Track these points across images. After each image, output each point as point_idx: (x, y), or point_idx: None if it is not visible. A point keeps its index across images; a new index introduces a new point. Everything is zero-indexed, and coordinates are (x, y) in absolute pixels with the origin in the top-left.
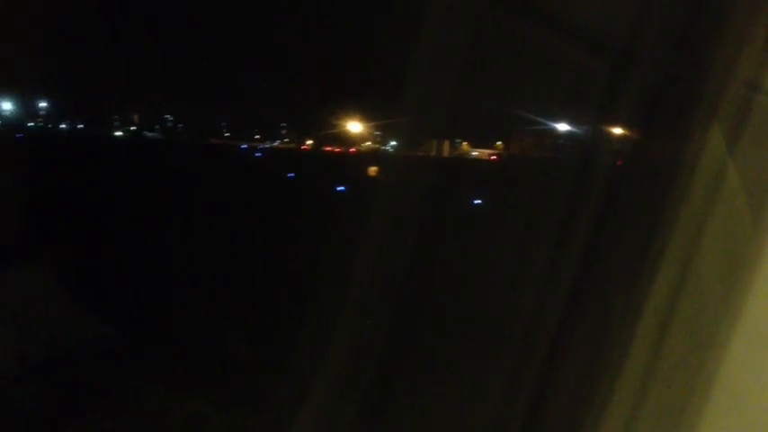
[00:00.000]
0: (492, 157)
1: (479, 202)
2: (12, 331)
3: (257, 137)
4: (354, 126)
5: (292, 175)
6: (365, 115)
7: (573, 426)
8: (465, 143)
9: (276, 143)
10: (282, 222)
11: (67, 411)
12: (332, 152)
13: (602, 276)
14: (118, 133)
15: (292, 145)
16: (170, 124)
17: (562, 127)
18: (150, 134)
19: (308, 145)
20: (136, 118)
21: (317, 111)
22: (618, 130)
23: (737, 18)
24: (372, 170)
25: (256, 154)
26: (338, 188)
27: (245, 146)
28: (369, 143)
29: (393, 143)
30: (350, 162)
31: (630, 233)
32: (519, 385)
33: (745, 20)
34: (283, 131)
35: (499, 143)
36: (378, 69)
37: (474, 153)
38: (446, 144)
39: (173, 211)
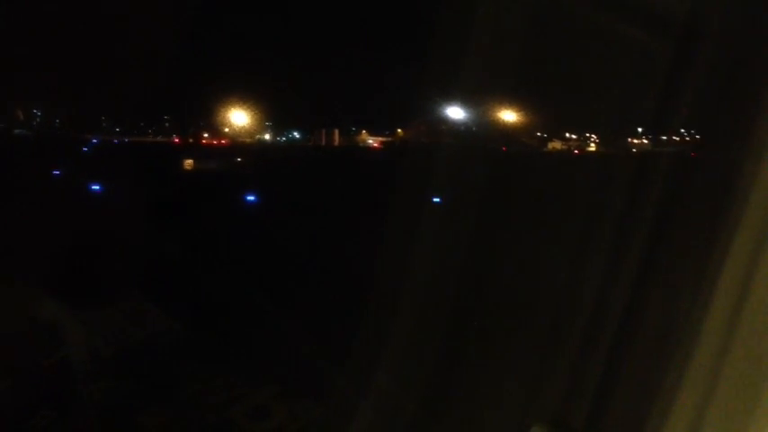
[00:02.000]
0: (375, 145)
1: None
2: (84, 328)
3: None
4: (240, 117)
5: (57, 172)
6: (258, 106)
7: (640, 415)
8: (364, 131)
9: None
10: None
11: (136, 404)
12: (193, 144)
13: (670, 270)
14: None
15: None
16: (38, 119)
17: (457, 115)
18: (18, 131)
19: (180, 138)
20: (20, 114)
21: (205, 104)
22: (510, 117)
23: None
24: (187, 163)
25: (84, 148)
26: (92, 186)
27: (96, 140)
28: (262, 135)
29: (291, 134)
30: (188, 155)
31: (699, 221)
32: (586, 374)
33: None
34: (166, 125)
35: (399, 130)
36: (270, 60)
37: (370, 141)
38: (335, 133)
39: None
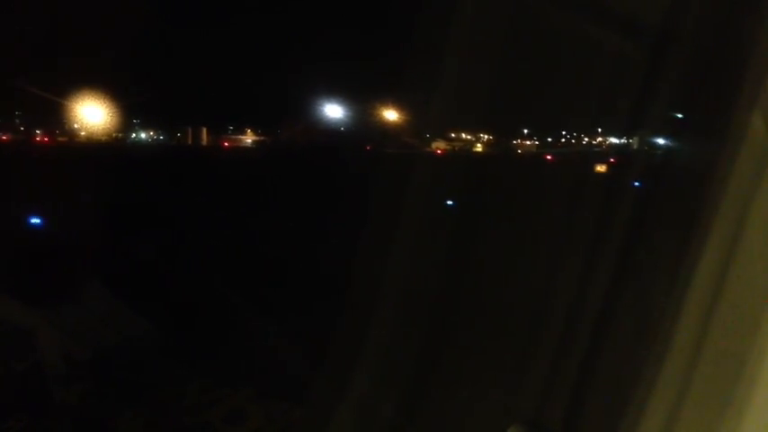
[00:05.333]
0: (225, 144)
1: None
2: (58, 332)
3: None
4: (94, 114)
5: None
6: (123, 102)
7: (615, 414)
8: (249, 130)
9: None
10: None
11: (111, 408)
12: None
13: (645, 265)
14: None
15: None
16: None
17: (337, 114)
18: None
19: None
20: None
21: (56, 99)
22: (392, 116)
23: None
24: None
25: None
26: None
27: None
28: (132, 133)
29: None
30: None
31: (673, 221)
32: (562, 375)
33: None
34: (18, 121)
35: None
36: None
37: (248, 141)
38: (203, 131)
39: None
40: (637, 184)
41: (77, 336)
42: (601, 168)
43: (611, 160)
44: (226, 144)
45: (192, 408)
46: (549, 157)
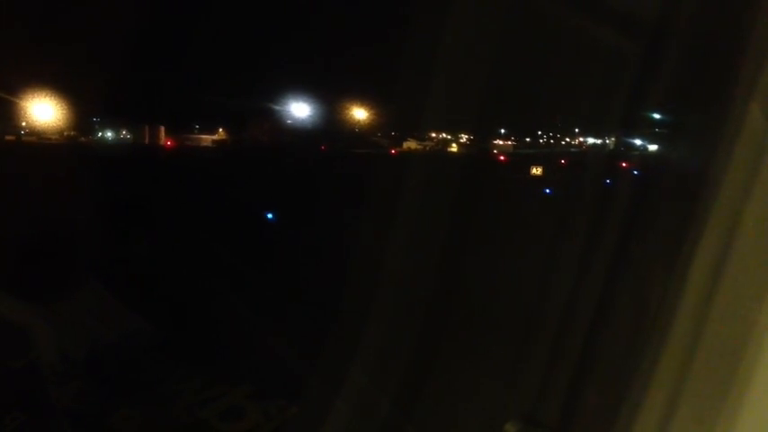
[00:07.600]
0: (168, 144)
1: None
2: (54, 330)
3: None
4: (44, 112)
5: None
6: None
7: (612, 410)
8: (221, 129)
9: None
10: None
11: (108, 406)
12: None
13: (641, 260)
14: None
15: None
16: None
17: (301, 113)
18: None
19: None
20: None
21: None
22: (361, 115)
23: None
24: None
25: None
26: None
27: None
28: (99, 132)
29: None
30: None
31: (668, 216)
32: (559, 371)
33: None
34: None
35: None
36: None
37: (208, 141)
38: (160, 130)
39: None
40: (547, 191)
41: (74, 333)
42: (536, 171)
43: (562, 161)
44: (168, 143)
45: (189, 405)
46: (502, 158)
